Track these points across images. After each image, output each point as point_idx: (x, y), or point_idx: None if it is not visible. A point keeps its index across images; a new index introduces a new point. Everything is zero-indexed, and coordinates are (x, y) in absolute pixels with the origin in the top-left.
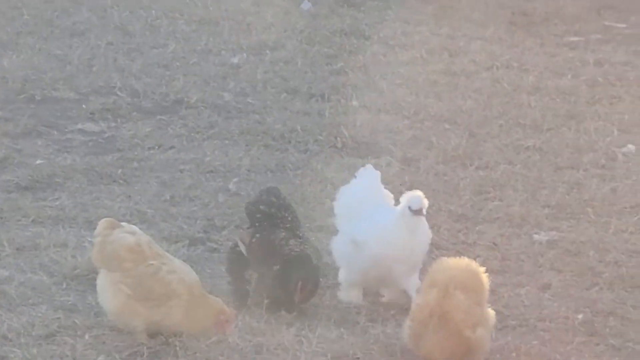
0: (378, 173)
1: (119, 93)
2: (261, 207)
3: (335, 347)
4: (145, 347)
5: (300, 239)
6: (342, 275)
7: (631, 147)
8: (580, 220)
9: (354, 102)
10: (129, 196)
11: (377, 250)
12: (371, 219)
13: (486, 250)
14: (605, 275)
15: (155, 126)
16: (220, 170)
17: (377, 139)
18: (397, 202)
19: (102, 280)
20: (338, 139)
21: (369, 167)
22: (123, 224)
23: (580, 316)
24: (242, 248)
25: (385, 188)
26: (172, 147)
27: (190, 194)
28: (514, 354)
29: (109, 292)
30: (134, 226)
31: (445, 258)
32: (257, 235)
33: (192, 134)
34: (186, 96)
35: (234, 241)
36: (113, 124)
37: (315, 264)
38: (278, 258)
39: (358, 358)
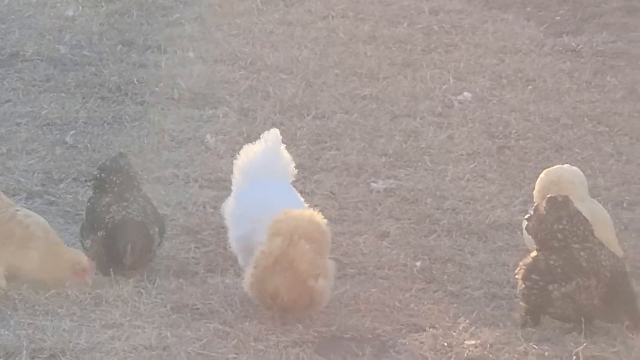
0: (279, 138)
1: None
2: (95, 172)
3: (174, 298)
4: None
5: (126, 202)
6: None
7: (467, 94)
8: (417, 168)
9: (190, 54)
10: None
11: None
12: (255, 190)
13: (324, 200)
14: (443, 222)
15: None
16: (57, 123)
17: (214, 89)
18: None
19: None
20: (175, 90)
21: (274, 131)
22: None
23: (418, 263)
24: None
25: (223, 139)
26: (8, 101)
27: (27, 148)
28: (352, 302)
29: None
30: None
31: (289, 208)
32: (88, 203)
33: (28, 87)
34: (22, 49)
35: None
36: None
37: (142, 227)
38: (101, 224)
39: (198, 308)
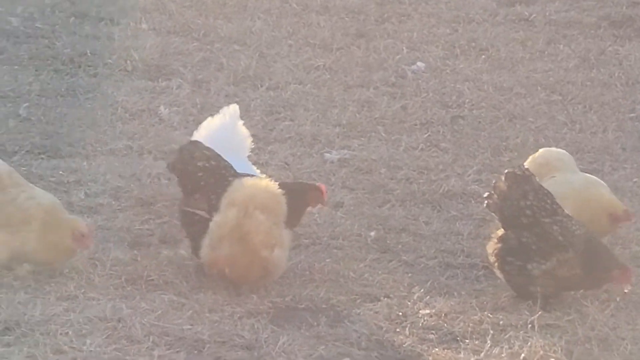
0: (238, 113)
1: None
2: (199, 164)
3: (129, 270)
4: None
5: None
6: None
7: (420, 64)
8: (371, 138)
9: (144, 25)
10: None
11: None
12: None
13: (278, 170)
14: (397, 192)
15: None
16: (10, 95)
17: (168, 61)
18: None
19: None
20: (128, 62)
21: (233, 106)
22: None
23: (372, 233)
24: (203, 213)
25: (177, 110)
26: None
27: None
28: (307, 272)
29: None
30: None
31: (245, 178)
32: (213, 196)
33: None
34: None
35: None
36: None
37: None
38: None
39: (152, 280)
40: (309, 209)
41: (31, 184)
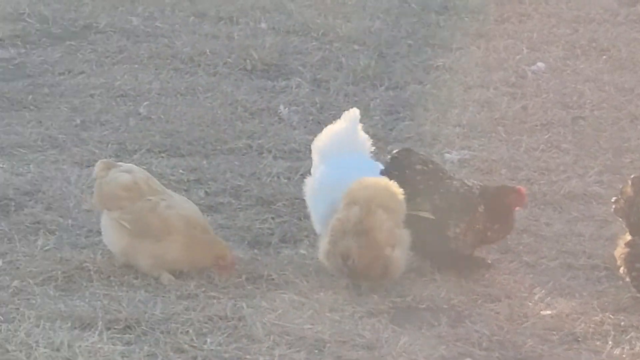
0: (358, 117)
1: (27, 19)
2: (417, 167)
3: (249, 269)
4: (59, 272)
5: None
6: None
7: (540, 65)
8: (491, 139)
9: (263, 24)
10: (40, 122)
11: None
12: (339, 166)
13: None
14: None
15: (65, 52)
16: (131, 94)
17: (287, 60)
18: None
19: (105, 221)
20: (247, 61)
21: (354, 110)
22: (120, 163)
23: None
24: (427, 214)
25: (296, 110)
26: (82, 73)
27: (101, 119)
28: (428, 272)
29: (111, 232)
30: (131, 164)
31: (365, 177)
32: (436, 197)
33: (102, 59)
34: (95, 21)
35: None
36: (23, 50)
37: None
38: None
39: (273, 279)
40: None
41: (169, 191)
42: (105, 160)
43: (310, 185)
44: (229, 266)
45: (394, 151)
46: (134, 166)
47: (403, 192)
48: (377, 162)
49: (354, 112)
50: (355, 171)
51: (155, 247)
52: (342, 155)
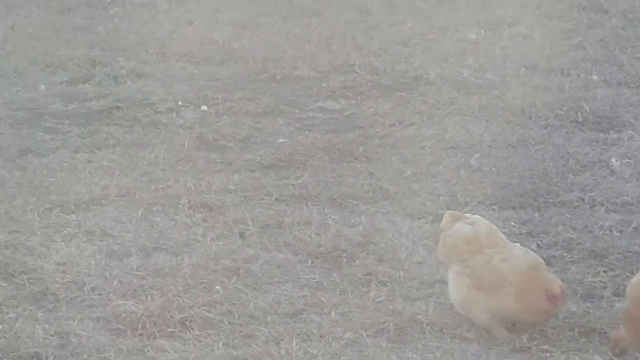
0: None
1: (358, 71)
2: None
3: (582, 322)
4: (391, 324)
5: None
6: None
7: None
8: None
9: (594, 76)
10: (371, 173)
11: None
12: None
13: None
14: None
15: (395, 103)
16: (462, 146)
17: (618, 112)
18: None
19: (449, 273)
20: (579, 113)
21: None
22: (467, 215)
23: None
24: None
25: (628, 162)
26: (412, 124)
27: (431, 170)
28: None
29: (453, 284)
30: (477, 216)
31: None
32: None
33: (432, 110)
34: (425, 72)
35: None
36: (353, 102)
37: None
38: None
39: (605, 332)
40: None
41: (511, 243)
42: (451, 212)
43: None
44: (560, 296)
45: None
46: (480, 218)
47: None
48: None
49: None
50: None
51: (491, 301)
52: None
